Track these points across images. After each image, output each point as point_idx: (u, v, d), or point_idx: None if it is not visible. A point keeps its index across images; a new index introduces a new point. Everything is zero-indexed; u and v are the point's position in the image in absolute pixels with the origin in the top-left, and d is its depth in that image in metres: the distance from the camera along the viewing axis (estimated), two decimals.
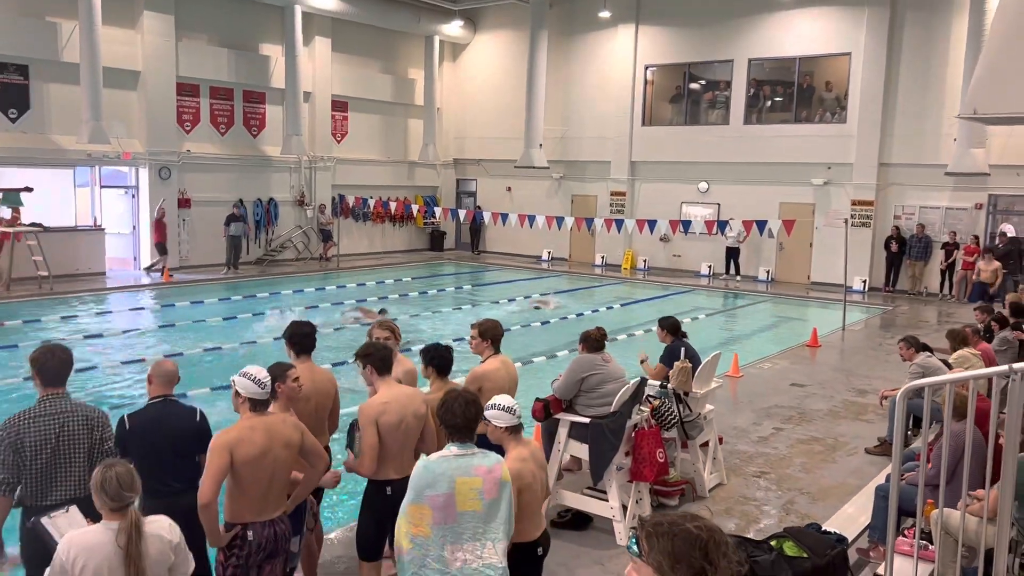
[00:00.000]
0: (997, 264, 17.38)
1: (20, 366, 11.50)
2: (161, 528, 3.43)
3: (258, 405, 4.08)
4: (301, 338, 5.20)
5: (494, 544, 3.73)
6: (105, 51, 18.33)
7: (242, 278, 20.28)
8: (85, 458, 4.17)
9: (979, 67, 3.83)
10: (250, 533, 4.02)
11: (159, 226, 19.93)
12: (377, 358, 4.84)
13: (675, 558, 1.92)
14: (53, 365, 4.20)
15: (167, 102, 20.45)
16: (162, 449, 4.40)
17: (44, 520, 3.78)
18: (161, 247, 19.94)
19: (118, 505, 3.31)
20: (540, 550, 4.24)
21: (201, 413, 4.63)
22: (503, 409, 4.11)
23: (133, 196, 20.61)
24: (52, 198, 18.95)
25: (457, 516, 3.67)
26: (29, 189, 17.53)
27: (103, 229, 19.70)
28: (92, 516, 3.79)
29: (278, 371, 4.64)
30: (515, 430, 4.16)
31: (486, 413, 4.10)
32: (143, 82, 20.03)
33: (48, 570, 3.32)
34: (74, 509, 3.90)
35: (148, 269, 20.04)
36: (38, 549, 3.89)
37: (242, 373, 4.11)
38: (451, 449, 3.81)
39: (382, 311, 14.24)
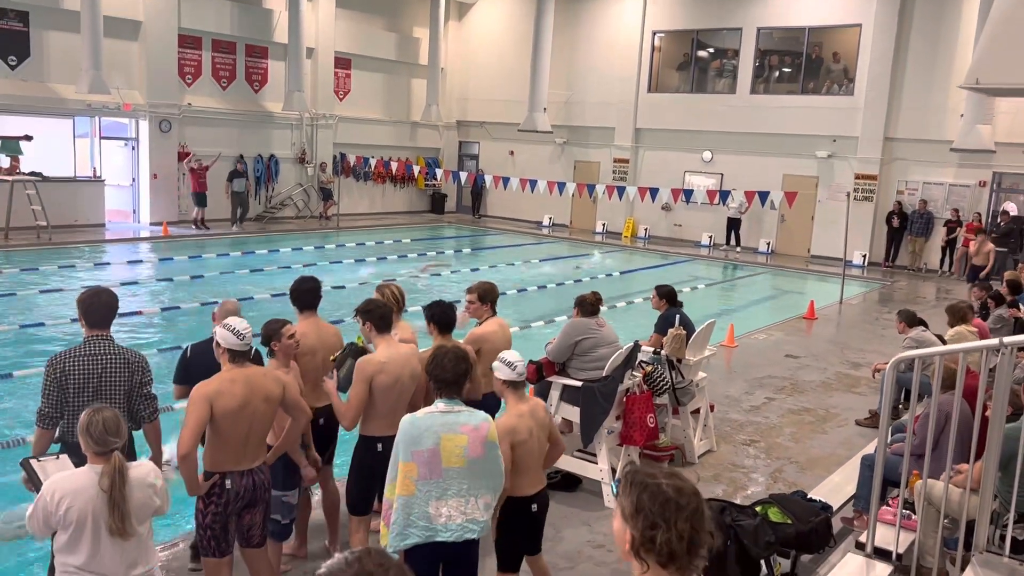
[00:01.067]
0: (990, 247, 16.45)
1: (19, 313, 11.55)
2: (144, 472, 3.47)
3: (238, 356, 4.09)
4: (301, 294, 5.21)
5: (477, 500, 3.77)
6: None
7: (242, 234, 20.24)
8: (123, 399, 4.29)
9: (983, 38, 3.78)
10: (228, 481, 4.06)
11: (196, 175, 19.96)
12: (377, 316, 4.82)
13: (636, 507, 1.97)
14: (98, 307, 4.30)
15: (168, 54, 20.24)
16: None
17: (33, 462, 3.84)
18: (199, 197, 19.91)
19: (102, 449, 3.35)
20: (535, 507, 4.29)
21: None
22: (505, 363, 4.18)
23: (133, 148, 20.48)
24: (51, 148, 18.83)
25: (443, 472, 3.70)
26: (29, 137, 17.43)
27: (103, 181, 19.61)
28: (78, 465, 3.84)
29: (273, 329, 4.65)
30: (514, 385, 4.22)
31: (492, 364, 4.22)
32: (144, 32, 19.79)
33: (31, 509, 3.36)
34: (64, 457, 3.94)
35: (194, 223, 20.01)
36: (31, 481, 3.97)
37: (223, 324, 4.13)
38: (438, 405, 3.82)
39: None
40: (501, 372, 4.18)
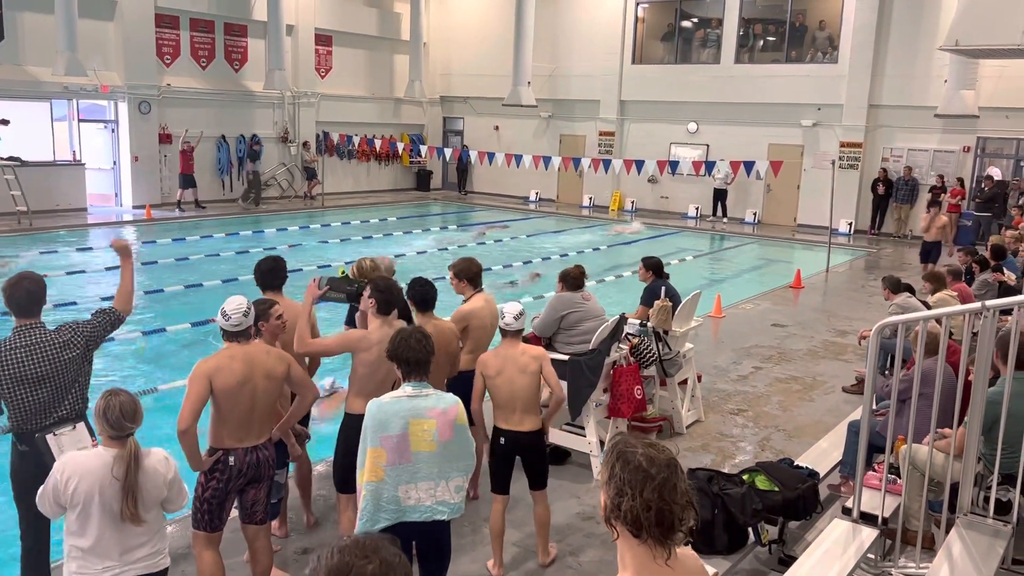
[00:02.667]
0: (944, 220, 14.61)
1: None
2: (157, 461, 3.44)
3: (231, 336, 4.09)
4: (261, 275, 5.19)
5: (448, 483, 3.75)
6: None
7: (225, 215, 20.07)
8: (75, 375, 4.13)
9: (961, 2, 3.76)
10: (232, 458, 4.07)
11: (185, 156, 19.93)
12: (383, 298, 4.75)
13: (609, 474, 2.01)
14: (19, 295, 4.07)
15: (145, 34, 19.92)
16: None
17: (49, 437, 3.85)
18: (186, 179, 19.91)
19: (117, 434, 3.33)
20: (502, 439, 4.85)
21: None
22: (501, 312, 4.84)
23: (113, 131, 20.23)
24: (29, 132, 18.57)
25: (412, 456, 3.68)
26: (5, 122, 17.19)
27: (83, 164, 19.39)
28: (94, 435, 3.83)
29: (261, 309, 4.62)
30: (502, 333, 4.86)
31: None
32: (120, 12, 19.47)
33: (42, 488, 3.36)
34: (81, 426, 3.93)
35: (177, 205, 20.05)
36: (29, 468, 3.95)
37: (221, 307, 4.13)
38: (405, 389, 3.78)
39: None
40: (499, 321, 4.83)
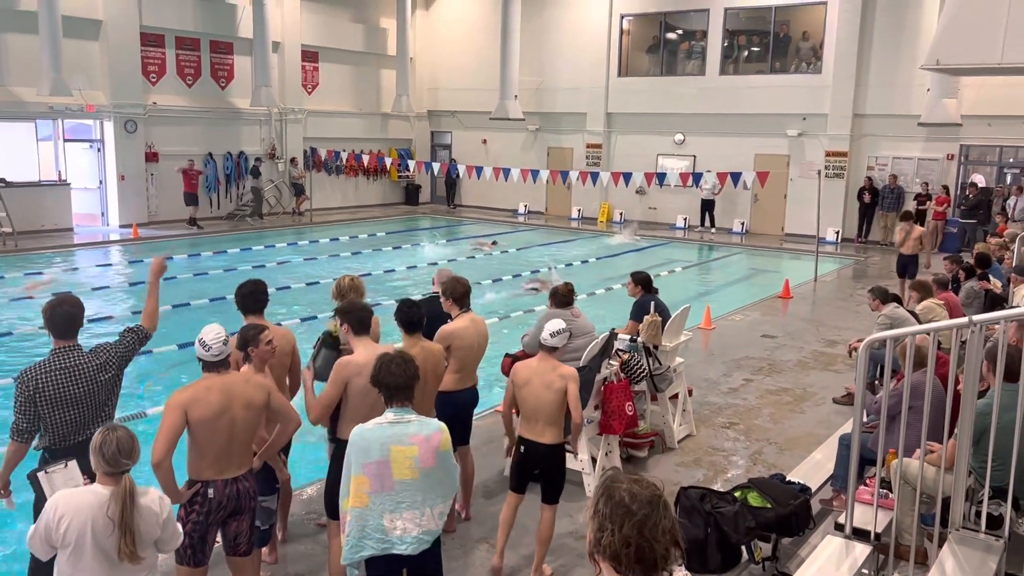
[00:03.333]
0: (919, 231, 13.42)
1: None
2: (152, 501, 3.39)
3: (210, 366, 4.02)
4: (241, 299, 5.14)
5: (432, 510, 3.71)
6: None
7: (212, 234, 20.00)
8: (105, 400, 4.30)
9: (941, 20, 3.80)
10: (211, 490, 4.00)
11: (188, 176, 20.20)
12: (355, 317, 4.76)
13: (595, 509, 2.01)
14: (57, 317, 4.21)
15: (131, 53, 19.88)
16: None
17: (41, 475, 3.80)
18: (190, 197, 20.21)
19: (113, 471, 3.28)
20: (522, 448, 5.08)
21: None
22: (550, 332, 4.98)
23: (99, 150, 20.15)
24: (14, 152, 18.48)
25: (394, 484, 3.64)
26: None
27: (68, 184, 19.30)
28: (87, 472, 3.78)
29: (250, 335, 4.59)
30: (544, 349, 5.02)
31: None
32: (105, 32, 19.43)
33: (33, 527, 3.31)
34: (72, 464, 3.89)
35: (191, 222, 20.37)
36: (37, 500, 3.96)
37: (199, 336, 4.05)
38: (387, 415, 3.74)
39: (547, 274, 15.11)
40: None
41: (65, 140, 19.84)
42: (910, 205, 19.87)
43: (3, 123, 18.35)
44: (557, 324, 5.01)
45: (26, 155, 19.03)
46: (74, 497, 3.30)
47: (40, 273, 14.87)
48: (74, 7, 18.39)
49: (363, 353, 4.61)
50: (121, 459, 3.28)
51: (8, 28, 17.96)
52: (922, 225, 19.58)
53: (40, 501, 3.77)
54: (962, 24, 3.37)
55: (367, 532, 3.66)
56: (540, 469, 5.05)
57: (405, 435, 3.68)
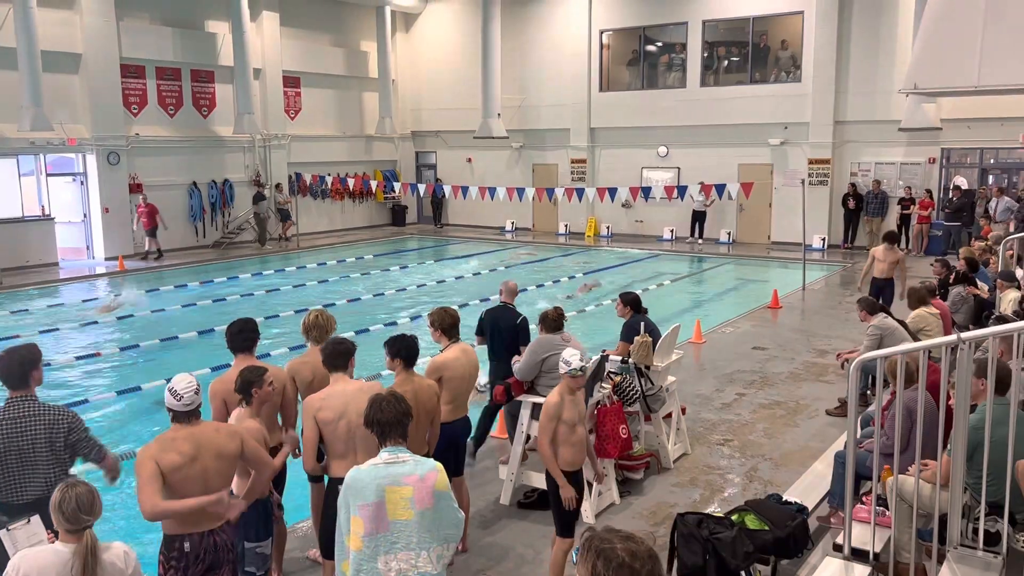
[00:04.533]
0: (899, 255, 11.67)
1: None
2: (116, 556, 3.33)
3: (179, 416, 3.93)
4: (231, 338, 5.19)
5: (429, 553, 3.66)
6: (42, 33, 17.64)
7: (200, 262, 19.91)
8: (49, 460, 4.19)
9: (917, 44, 3.83)
10: (187, 544, 3.90)
11: (147, 212, 19.88)
12: (325, 354, 4.79)
13: (592, 573, 1.99)
14: (6, 368, 4.22)
15: (111, 85, 19.84)
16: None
17: (2, 532, 3.73)
18: (151, 231, 19.96)
19: (74, 528, 3.22)
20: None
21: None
22: (563, 361, 4.88)
23: (82, 183, 20.06)
24: None
25: (389, 525, 3.60)
26: None
27: (52, 219, 19.19)
28: (50, 527, 3.72)
29: (254, 377, 4.59)
30: (571, 376, 4.89)
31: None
32: (84, 65, 19.39)
33: None
34: (36, 519, 3.83)
35: (145, 256, 20.06)
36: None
37: (169, 385, 3.98)
38: (382, 456, 3.71)
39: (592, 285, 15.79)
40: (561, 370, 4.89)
41: (48, 174, 19.75)
42: (894, 210, 20.03)
43: None
44: (569, 354, 4.93)
45: (8, 191, 18.93)
46: (37, 557, 3.23)
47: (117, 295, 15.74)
48: (53, 42, 18.34)
49: (331, 388, 4.65)
50: (82, 515, 3.22)
51: None
52: (908, 229, 19.79)
53: (2, 558, 3.71)
54: (937, 48, 3.40)
55: (362, 574, 3.61)
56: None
57: (400, 475, 3.65)
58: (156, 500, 3.73)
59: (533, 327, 6.93)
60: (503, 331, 7.16)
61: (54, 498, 3.26)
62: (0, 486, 4.20)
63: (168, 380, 3.94)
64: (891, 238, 12.23)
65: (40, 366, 4.34)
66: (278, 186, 23.42)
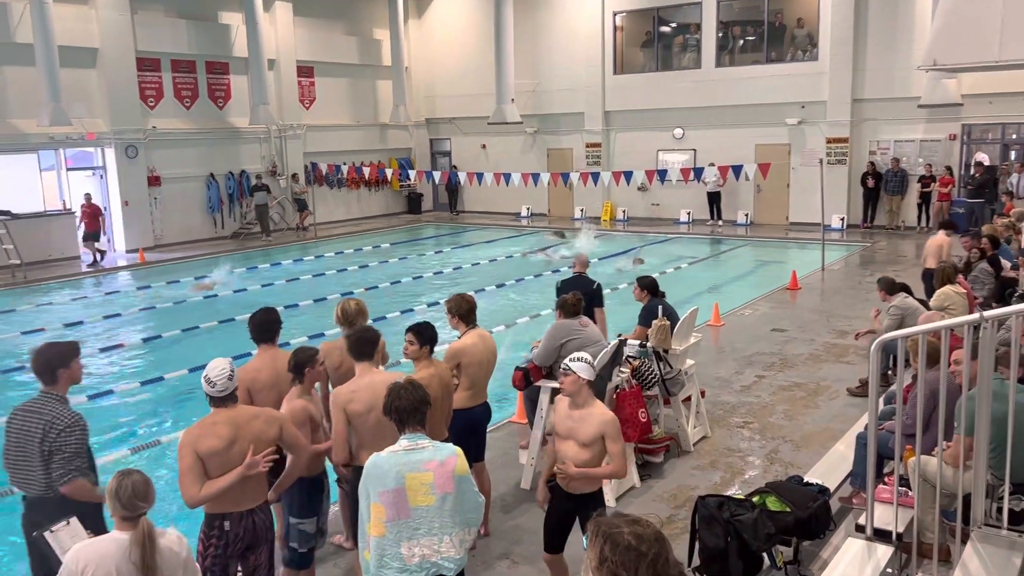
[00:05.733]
0: (944, 241, 10.79)
1: (3, 357, 11.38)
2: (171, 542, 3.41)
3: (217, 402, 4.05)
4: (254, 328, 5.23)
5: (452, 537, 3.69)
6: (59, 29, 17.76)
7: (219, 253, 20.05)
8: (38, 460, 4.17)
9: (936, 19, 3.78)
10: (227, 523, 4.02)
11: (87, 214, 18.66)
12: (349, 343, 4.82)
13: (600, 559, 1.98)
14: (35, 365, 4.31)
15: (128, 78, 19.96)
16: None
17: (47, 534, 3.82)
18: (92, 235, 18.60)
19: (129, 514, 3.31)
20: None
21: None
22: (587, 362, 4.49)
23: (101, 177, 20.24)
24: (17, 184, 18.56)
25: (410, 511, 3.63)
26: None
27: (73, 212, 19.38)
28: (91, 528, 3.83)
29: (309, 356, 4.73)
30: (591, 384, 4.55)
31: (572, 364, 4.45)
32: (101, 59, 19.51)
33: None
34: (75, 521, 3.92)
35: (94, 263, 18.54)
36: (42, 561, 3.97)
37: (204, 371, 4.08)
38: (401, 443, 3.75)
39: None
40: (585, 373, 4.47)
41: (68, 169, 19.94)
42: (914, 187, 19.79)
43: (5, 156, 18.45)
44: (578, 357, 4.58)
45: (30, 186, 19.13)
46: (95, 546, 3.31)
47: (205, 276, 16.31)
48: (69, 37, 18.46)
49: (358, 379, 4.66)
50: (137, 502, 3.31)
51: (6, 61, 18.04)
52: (928, 207, 19.56)
53: (45, 561, 3.77)
54: (957, 23, 3.35)
55: (385, 562, 3.65)
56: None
57: (419, 462, 3.68)
58: (195, 490, 3.89)
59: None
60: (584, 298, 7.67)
61: (110, 486, 3.33)
62: (9, 474, 4.30)
63: (191, 370, 4.00)
64: (949, 226, 11.51)
65: (72, 364, 4.32)
66: (294, 176, 23.51)
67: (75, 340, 4.73)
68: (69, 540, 3.67)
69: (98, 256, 18.63)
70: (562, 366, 4.52)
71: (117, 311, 14.15)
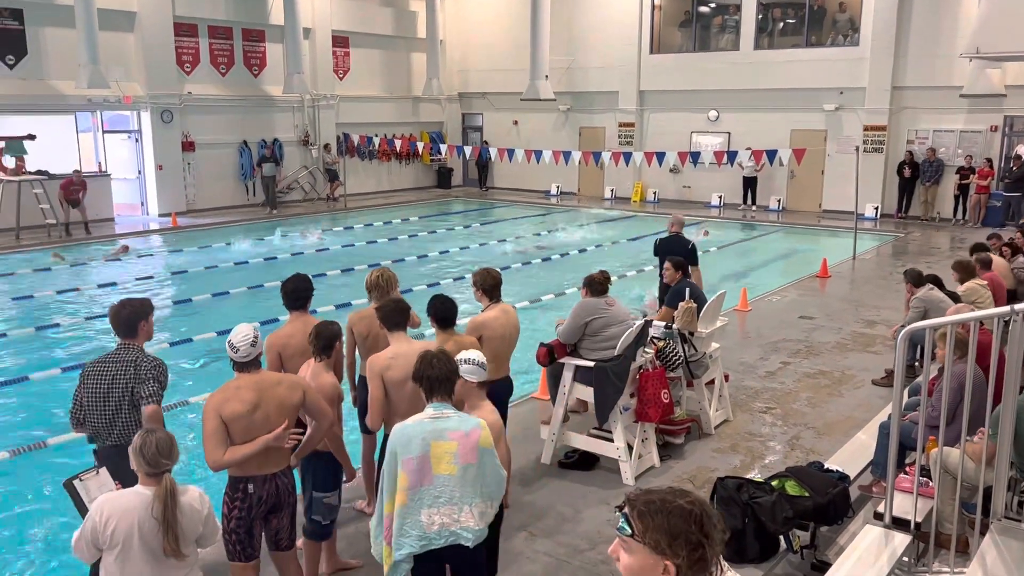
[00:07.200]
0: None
1: (35, 316, 11.64)
2: (192, 499, 3.51)
3: (240, 367, 4.12)
4: (286, 295, 5.29)
5: (471, 508, 3.73)
6: None
7: (250, 221, 20.26)
8: (126, 404, 4.43)
9: (982, 7, 3.71)
10: (251, 486, 4.11)
11: (65, 186, 17.47)
12: (383, 313, 4.86)
13: (672, 535, 1.85)
14: (113, 318, 4.59)
15: (165, 43, 20.12)
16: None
17: (76, 482, 3.98)
18: (72, 202, 17.62)
19: (153, 471, 3.42)
20: None
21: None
22: (476, 364, 4.08)
23: (137, 140, 20.48)
24: (55, 145, 18.84)
25: (433, 479, 3.68)
26: (32, 137, 17.44)
27: (108, 175, 19.65)
28: (121, 479, 3.93)
29: (337, 331, 4.79)
30: (483, 384, 4.20)
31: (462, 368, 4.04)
32: (139, 23, 19.67)
33: (79, 531, 3.44)
34: (104, 471, 4.07)
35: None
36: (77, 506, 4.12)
37: (229, 337, 4.15)
38: (427, 411, 3.79)
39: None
40: (474, 376, 4.09)
41: (104, 131, 20.19)
42: (952, 179, 19.45)
43: (44, 116, 18.72)
44: (477, 354, 4.21)
45: (67, 147, 19.40)
46: (119, 499, 3.43)
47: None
48: (109, 0, 18.62)
49: (395, 347, 4.71)
50: (161, 459, 3.42)
51: (46, 23, 18.26)
52: (965, 199, 19.21)
53: (79, 506, 3.92)
54: (1004, 11, 3.29)
55: (405, 530, 3.69)
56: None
57: (444, 431, 3.73)
58: (218, 454, 3.97)
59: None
60: (676, 255, 8.57)
61: (135, 443, 3.45)
62: (94, 427, 4.50)
63: (219, 333, 4.09)
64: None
65: (150, 318, 4.66)
66: (326, 146, 23.61)
67: (148, 298, 4.92)
68: (96, 489, 3.79)
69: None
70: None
71: (149, 273, 14.39)
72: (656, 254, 9.69)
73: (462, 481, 3.71)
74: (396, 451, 3.71)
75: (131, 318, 4.53)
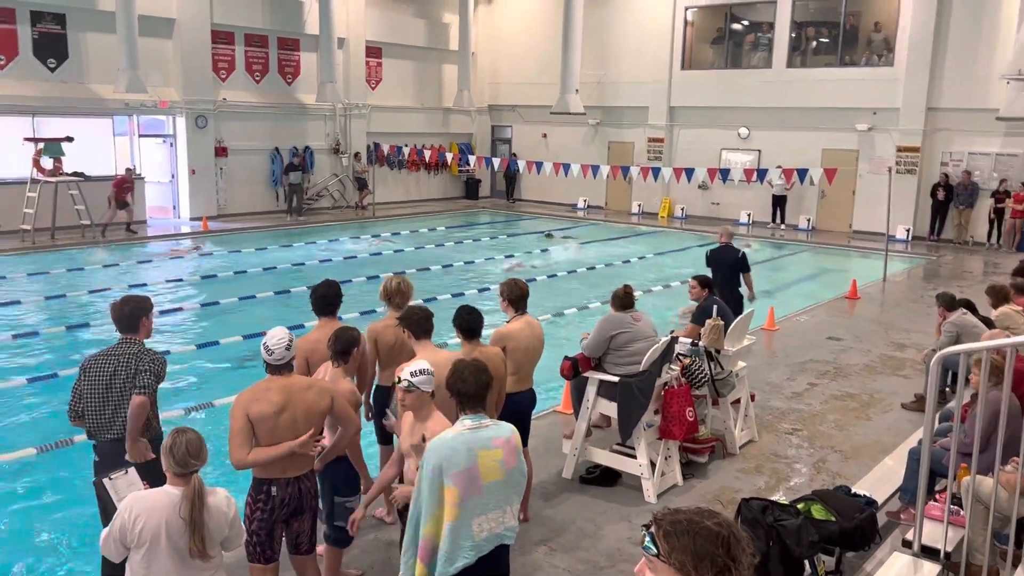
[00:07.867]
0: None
1: (70, 314, 11.82)
2: (219, 501, 3.53)
3: (273, 369, 4.15)
4: (315, 301, 5.35)
5: (512, 508, 3.81)
6: None
7: (279, 227, 20.45)
8: (126, 398, 4.51)
9: (1022, 29, 3.64)
10: (274, 488, 4.12)
11: (118, 185, 18.14)
12: (413, 321, 4.86)
13: (698, 556, 1.83)
14: (114, 315, 4.75)
15: (202, 50, 20.44)
16: None
17: (105, 481, 4.03)
18: (122, 203, 18.21)
19: (182, 471, 3.45)
20: None
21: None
22: (429, 374, 4.04)
23: (171, 145, 20.78)
24: (92, 147, 19.15)
25: (482, 488, 3.68)
26: (70, 139, 17.74)
27: (143, 178, 19.94)
28: (148, 479, 3.96)
29: (356, 337, 4.78)
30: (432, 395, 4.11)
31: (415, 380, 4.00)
32: (178, 30, 20.01)
33: (107, 529, 3.47)
34: (132, 471, 4.11)
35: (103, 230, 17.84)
36: (105, 507, 4.16)
37: (264, 339, 4.18)
38: (464, 423, 3.77)
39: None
40: (428, 385, 4.03)
41: (140, 135, 20.51)
42: (987, 202, 19.16)
43: (83, 119, 19.06)
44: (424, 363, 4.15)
45: (103, 150, 19.73)
46: (148, 498, 3.45)
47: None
48: (149, 7, 18.97)
49: (422, 356, 4.68)
50: (190, 460, 3.45)
51: (88, 28, 18.63)
52: (1000, 223, 18.89)
53: (106, 506, 3.96)
54: None
55: (459, 543, 3.65)
56: None
57: (489, 439, 3.74)
58: (242, 453, 4.00)
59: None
60: (727, 264, 9.60)
61: (165, 443, 3.48)
62: (91, 421, 4.61)
63: (245, 336, 4.13)
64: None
65: (151, 314, 4.83)
66: (356, 155, 23.80)
67: (145, 295, 5.08)
68: (126, 488, 3.83)
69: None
70: (404, 381, 4.00)
71: (179, 276, 14.55)
72: (708, 265, 10.00)
73: (506, 485, 3.76)
74: (440, 466, 3.62)
75: (133, 314, 4.70)
